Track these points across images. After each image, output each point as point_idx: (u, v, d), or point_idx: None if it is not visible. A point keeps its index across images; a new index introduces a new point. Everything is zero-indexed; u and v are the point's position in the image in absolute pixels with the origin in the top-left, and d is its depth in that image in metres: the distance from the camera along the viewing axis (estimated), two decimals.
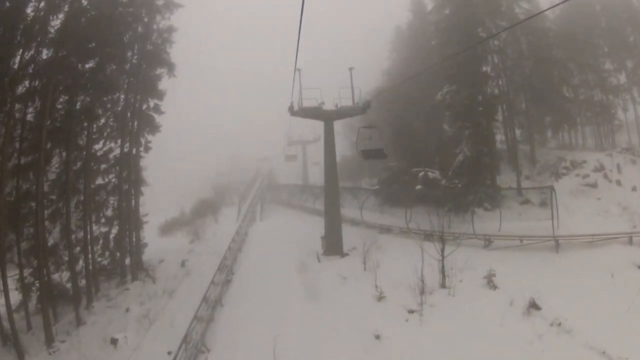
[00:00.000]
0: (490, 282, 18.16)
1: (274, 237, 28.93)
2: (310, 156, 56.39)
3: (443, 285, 18.29)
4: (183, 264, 27.69)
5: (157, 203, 53.99)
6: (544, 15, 34.60)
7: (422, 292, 17.35)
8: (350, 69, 24.23)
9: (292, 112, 24.66)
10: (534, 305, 16.43)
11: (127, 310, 22.99)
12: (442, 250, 18.40)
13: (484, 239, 22.72)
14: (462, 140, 28.63)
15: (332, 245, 24.33)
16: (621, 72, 40.74)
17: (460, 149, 28.39)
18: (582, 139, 43.99)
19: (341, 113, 25.16)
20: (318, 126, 52.49)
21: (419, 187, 27.45)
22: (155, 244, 33.02)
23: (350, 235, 25.52)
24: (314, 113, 24.91)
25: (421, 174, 27.36)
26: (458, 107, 27.60)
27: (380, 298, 17.82)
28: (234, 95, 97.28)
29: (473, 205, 26.30)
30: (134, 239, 29.99)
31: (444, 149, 33.56)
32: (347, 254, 24.24)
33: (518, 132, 34.80)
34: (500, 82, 33.53)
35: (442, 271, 18.38)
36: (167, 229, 38.55)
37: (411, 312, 16.77)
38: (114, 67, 29.64)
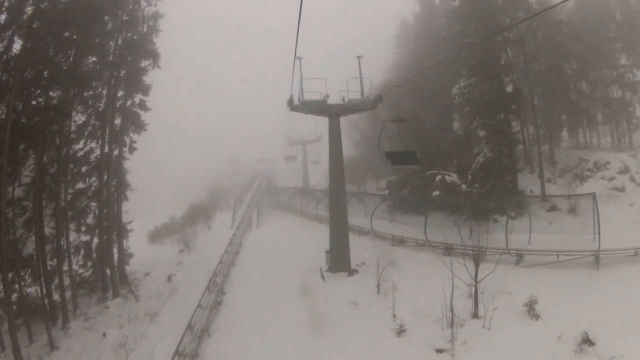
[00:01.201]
0: (531, 310, 15.12)
1: (271, 249, 25.67)
2: (311, 157, 53.24)
3: (476, 315, 15.16)
4: (170, 279, 24.84)
5: (152, 208, 51.70)
6: (557, 7, 32.43)
7: (452, 325, 14.28)
8: (359, 57, 20.96)
9: (292, 106, 21.11)
10: (587, 341, 13.47)
11: (104, 335, 20.38)
12: (476, 273, 15.18)
13: (517, 254, 19.57)
14: (482, 140, 25.65)
15: (339, 261, 21.10)
16: (639, 68, 38.08)
17: (480, 149, 25.36)
18: (597, 138, 41.25)
19: (349, 108, 21.69)
20: (320, 124, 50.08)
21: (437, 193, 24.23)
22: (143, 253, 30.38)
23: (358, 248, 22.40)
24: (318, 108, 21.36)
25: (438, 178, 24.20)
26: (479, 102, 24.47)
27: (401, 332, 14.65)
28: (235, 97, 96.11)
29: (496, 212, 23.40)
30: (115, 250, 27.28)
31: (459, 149, 30.66)
32: (355, 271, 21.10)
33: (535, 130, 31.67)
34: (514, 77, 30.60)
35: (475, 298, 15.24)
36: (157, 236, 35.61)
37: (440, 351, 13.62)
38: (95, 59, 27.00)
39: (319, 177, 53.41)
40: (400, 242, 23.79)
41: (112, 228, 27.39)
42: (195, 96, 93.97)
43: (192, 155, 74.60)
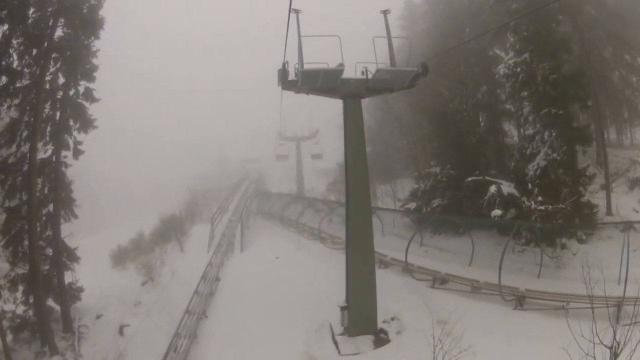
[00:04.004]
0: None
1: (259, 288, 18.26)
2: (306, 154, 46.51)
3: None
4: (121, 331, 18.36)
5: (124, 219, 45.42)
6: None
7: None
8: (385, 11, 13.80)
9: (285, 82, 13.45)
10: None
11: None
12: None
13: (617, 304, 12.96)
14: (534, 135, 19.36)
15: (360, 317, 13.95)
16: None
17: (534, 147, 19.04)
18: (629, 134, 36.11)
19: (376, 84, 13.99)
20: (316, 116, 43.62)
21: (497, 212, 17.52)
22: (102, 282, 24.09)
23: (381, 289, 14.92)
24: (327, 83, 13.41)
25: (493, 188, 17.61)
26: (543, 84, 18.03)
27: None
28: (233, 96, 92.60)
29: (563, 235, 17.20)
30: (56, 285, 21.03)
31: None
32: (383, 333, 14.11)
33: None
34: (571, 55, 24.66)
35: None
36: (120, 258, 28.99)
37: None
38: (25, 40, 20.36)
39: (315, 179, 47.54)
40: (442, 280, 16.57)
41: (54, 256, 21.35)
42: (191, 95, 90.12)
43: (177, 160, 69.78)
